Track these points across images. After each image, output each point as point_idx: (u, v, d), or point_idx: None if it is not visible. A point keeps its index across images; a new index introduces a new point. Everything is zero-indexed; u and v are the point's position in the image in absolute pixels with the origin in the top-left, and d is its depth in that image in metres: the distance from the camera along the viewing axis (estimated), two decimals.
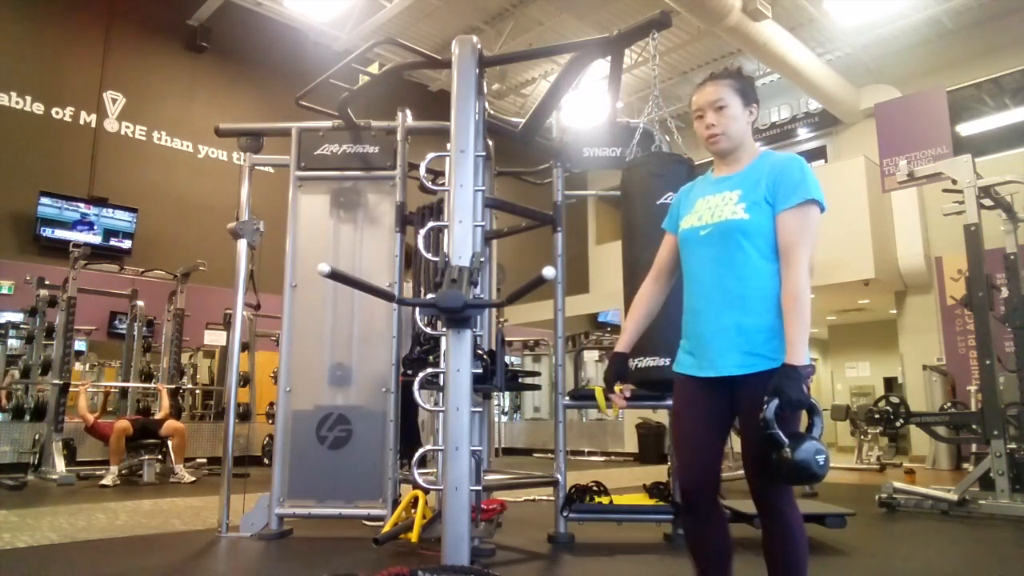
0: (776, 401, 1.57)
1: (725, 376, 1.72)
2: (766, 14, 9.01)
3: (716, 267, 1.76)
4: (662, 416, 9.53)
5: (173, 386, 7.86)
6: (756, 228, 1.73)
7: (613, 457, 11.03)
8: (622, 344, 1.97)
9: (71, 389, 7.08)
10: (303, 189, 4.29)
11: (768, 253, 1.73)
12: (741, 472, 6.36)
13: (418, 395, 3.03)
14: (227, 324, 8.86)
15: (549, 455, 10.41)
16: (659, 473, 4.04)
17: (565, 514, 3.81)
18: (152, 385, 8.14)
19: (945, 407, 8.15)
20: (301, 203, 4.28)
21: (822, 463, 1.57)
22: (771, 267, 1.73)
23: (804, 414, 1.65)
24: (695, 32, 10.82)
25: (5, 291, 8.63)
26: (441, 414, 2.72)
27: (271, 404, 7.30)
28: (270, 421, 7.72)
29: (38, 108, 9.17)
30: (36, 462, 6.88)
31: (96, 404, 8.20)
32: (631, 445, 10.76)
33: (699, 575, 1.83)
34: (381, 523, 3.72)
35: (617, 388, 1.94)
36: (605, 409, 2.00)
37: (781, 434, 1.57)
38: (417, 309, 3.69)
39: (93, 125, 9.59)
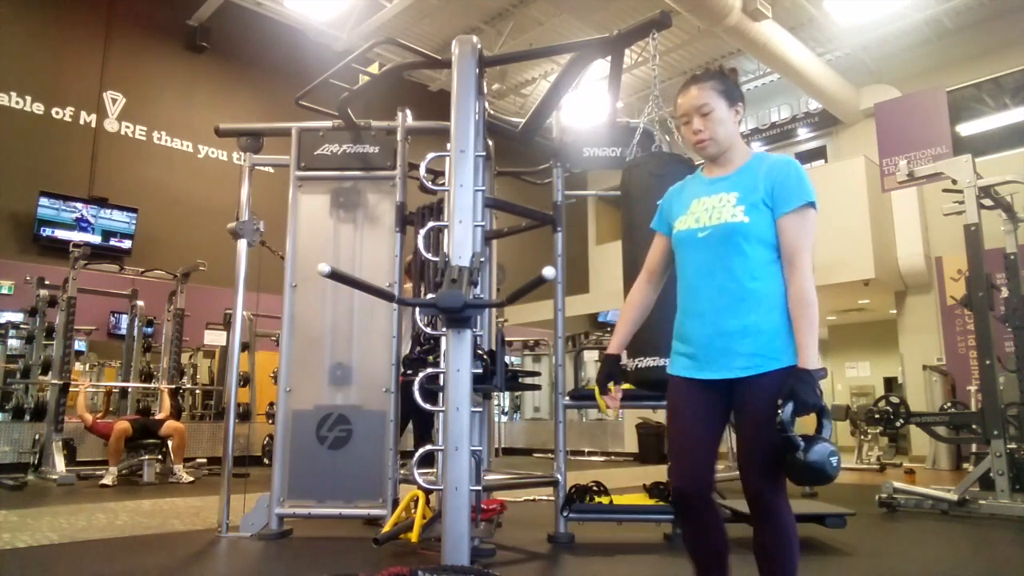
0: (792, 404, 1.58)
1: (729, 378, 1.71)
2: (766, 14, 9.01)
3: (717, 269, 1.75)
4: (662, 416, 9.51)
5: (173, 386, 7.86)
6: (756, 231, 1.72)
7: (613, 457, 11.02)
8: (614, 345, 1.96)
9: (71, 389, 7.09)
10: (303, 189, 4.29)
11: (767, 254, 1.73)
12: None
13: (418, 395, 3.03)
14: (227, 324, 8.86)
15: (549, 455, 10.41)
16: (659, 473, 4.04)
17: (565, 514, 3.81)
18: (153, 385, 8.13)
19: (945, 407, 8.14)
20: (301, 203, 4.28)
21: (835, 464, 1.60)
22: (771, 268, 1.73)
23: (813, 415, 1.65)
24: (695, 32, 10.82)
25: (5, 291, 8.64)
26: (441, 414, 2.72)
27: (271, 404, 7.29)
28: (270, 421, 7.72)
29: (38, 108, 9.17)
30: (36, 462, 6.88)
31: (96, 404, 8.21)
32: (631, 445, 10.76)
33: (698, 574, 1.83)
34: (381, 523, 3.73)
35: (611, 388, 1.93)
36: (605, 409, 2.00)
37: (797, 437, 1.58)
38: (417, 309, 3.69)
39: (93, 125, 9.59)
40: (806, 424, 1.63)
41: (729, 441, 7.84)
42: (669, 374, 1.85)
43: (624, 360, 3.82)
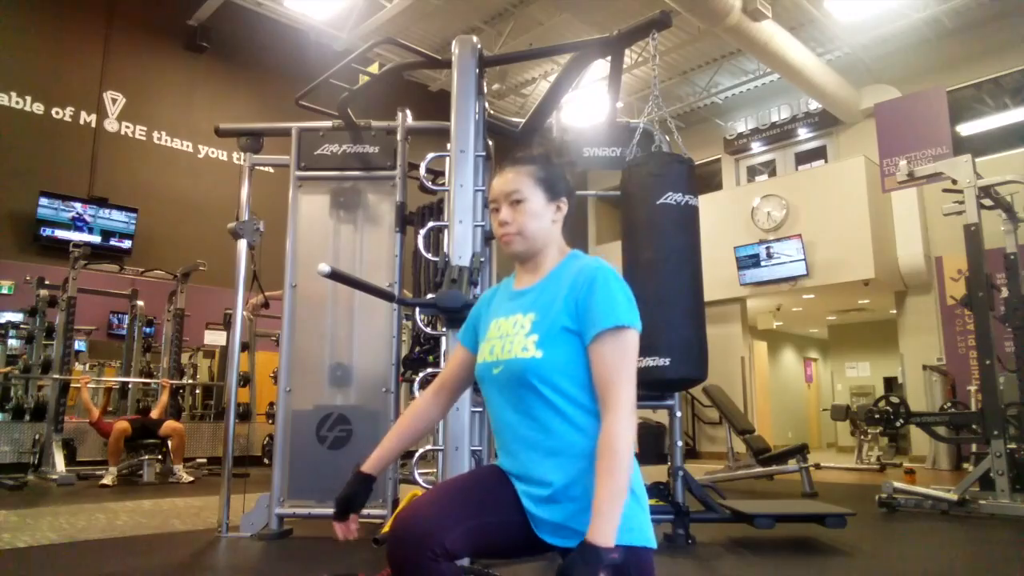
0: None
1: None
2: (766, 14, 9.01)
3: (514, 415, 1.42)
4: (662, 416, 9.51)
5: (174, 382, 7.87)
6: (553, 367, 1.37)
7: None
8: (372, 462, 1.59)
9: (72, 386, 7.08)
10: (303, 189, 4.29)
11: (579, 398, 1.38)
12: (741, 472, 6.39)
13: (418, 395, 3.03)
14: (227, 324, 8.86)
15: None
16: (659, 473, 4.04)
17: None
18: (155, 380, 8.13)
19: (945, 407, 8.15)
20: (301, 203, 4.28)
21: None
22: (585, 416, 1.38)
23: None
24: (695, 32, 10.82)
25: (5, 291, 8.62)
26: None
27: (271, 404, 7.30)
28: (270, 421, 7.72)
29: (38, 108, 9.17)
30: (36, 462, 6.88)
31: (97, 402, 8.21)
32: None
33: None
34: (381, 523, 3.73)
35: (350, 515, 1.64)
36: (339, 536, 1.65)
37: None
38: (417, 309, 3.69)
39: (93, 125, 9.59)
40: None
41: (728, 441, 7.87)
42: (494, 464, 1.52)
43: None
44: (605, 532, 1.21)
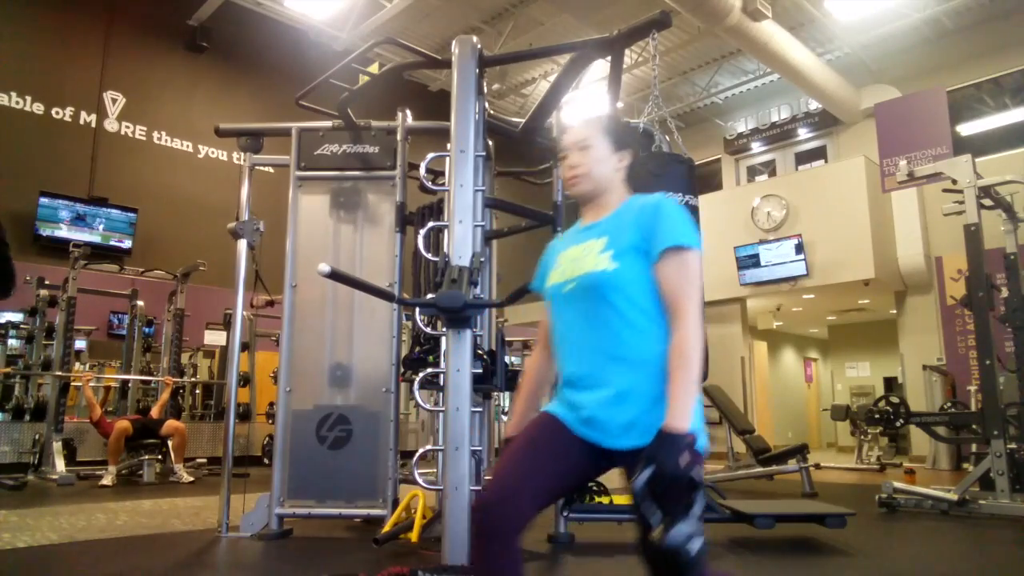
0: (649, 472, 1.31)
1: (604, 448, 1.50)
2: (766, 14, 9.01)
3: (585, 328, 1.54)
4: None
5: (175, 379, 7.87)
6: (626, 280, 1.50)
7: None
8: (513, 427, 1.71)
9: (73, 384, 7.08)
10: (303, 189, 4.29)
11: (647, 308, 1.50)
12: (741, 472, 6.38)
13: (418, 395, 3.03)
14: (227, 324, 8.86)
15: None
16: None
17: (565, 514, 3.81)
18: (158, 377, 8.12)
19: (945, 407, 8.15)
20: (301, 203, 4.28)
21: (693, 552, 1.29)
22: (652, 324, 1.49)
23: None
24: (695, 32, 10.82)
25: None
26: (441, 414, 2.72)
27: (271, 404, 7.29)
28: (270, 421, 7.71)
29: (38, 108, 9.17)
30: (36, 462, 6.88)
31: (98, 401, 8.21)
32: None
33: None
34: (381, 523, 3.73)
35: None
36: None
37: (651, 511, 1.31)
38: (417, 309, 3.69)
39: (93, 125, 9.59)
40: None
41: (728, 441, 7.87)
42: (542, 411, 1.62)
43: None
44: (682, 419, 1.35)
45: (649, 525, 1.31)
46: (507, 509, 1.42)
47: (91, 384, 7.20)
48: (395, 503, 3.80)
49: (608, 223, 1.61)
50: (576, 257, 1.60)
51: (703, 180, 12.54)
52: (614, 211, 1.63)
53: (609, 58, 3.47)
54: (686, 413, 1.36)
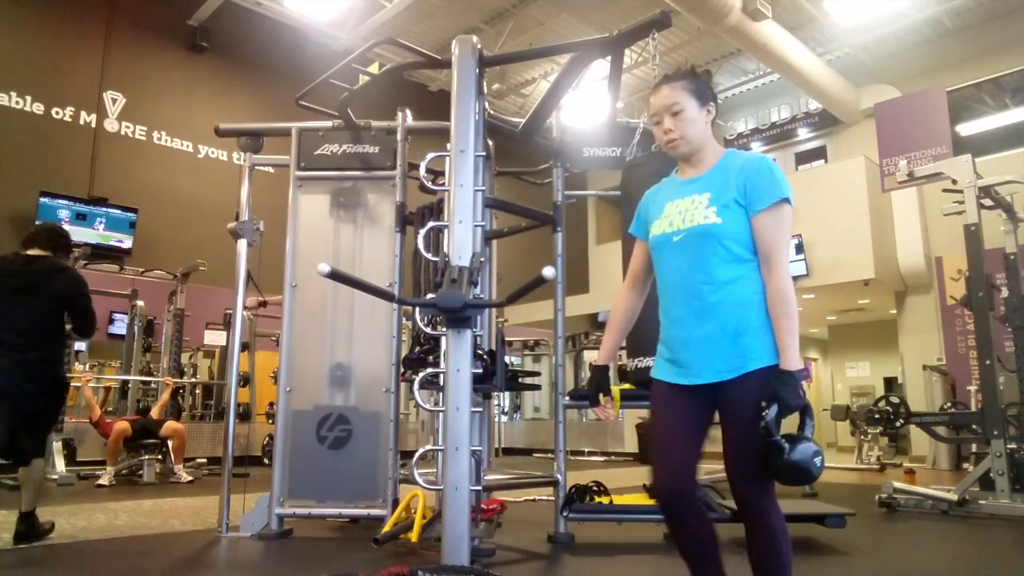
0: (775, 407, 1.59)
1: (712, 382, 1.71)
2: (766, 14, 9.01)
3: (692, 273, 1.74)
4: None
5: (178, 381, 7.87)
6: (729, 231, 1.72)
7: (613, 457, 11.02)
8: (603, 356, 1.98)
9: (72, 385, 7.06)
10: (303, 189, 4.29)
11: (743, 254, 1.73)
12: None
13: (418, 395, 3.03)
14: (227, 324, 8.86)
15: (549, 455, 10.41)
16: None
17: (565, 514, 3.81)
18: (158, 378, 8.11)
19: (945, 407, 8.15)
20: (301, 203, 4.28)
21: (819, 464, 1.61)
22: (747, 268, 1.72)
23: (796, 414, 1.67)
24: (695, 32, 10.82)
25: None
26: (441, 414, 2.72)
27: (271, 404, 7.29)
28: (270, 421, 7.71)
29: (38, 108, 9.16)
30: None
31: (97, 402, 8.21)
32: (631, 445, 10.75)
33: (692, 572, 1.84)
34: (381, 523, 3.73)
35: (602, 399, 1.95)
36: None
37: (782, 439, 1.59)
38: (417, 309, 3.69)
39: (93, 125, 9.58)
40: (789, 423, 1.64)
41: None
42: (652, 377, 1.84)
43: (624, 360, 3.82)
44: (793, 359, 1.63)
45: (782, 449, 1.59)
46: (683, 484, 1.73)
47: (90, 384, 7.19)
48: (395, 503, 3.80)
49: (709, 178, 1.79)
50: (683, 210, 1.78)
51: None
52: (713, 167, 1.80)
53: (609, 58, 3.47)
54: (795, 353, 1.63)
